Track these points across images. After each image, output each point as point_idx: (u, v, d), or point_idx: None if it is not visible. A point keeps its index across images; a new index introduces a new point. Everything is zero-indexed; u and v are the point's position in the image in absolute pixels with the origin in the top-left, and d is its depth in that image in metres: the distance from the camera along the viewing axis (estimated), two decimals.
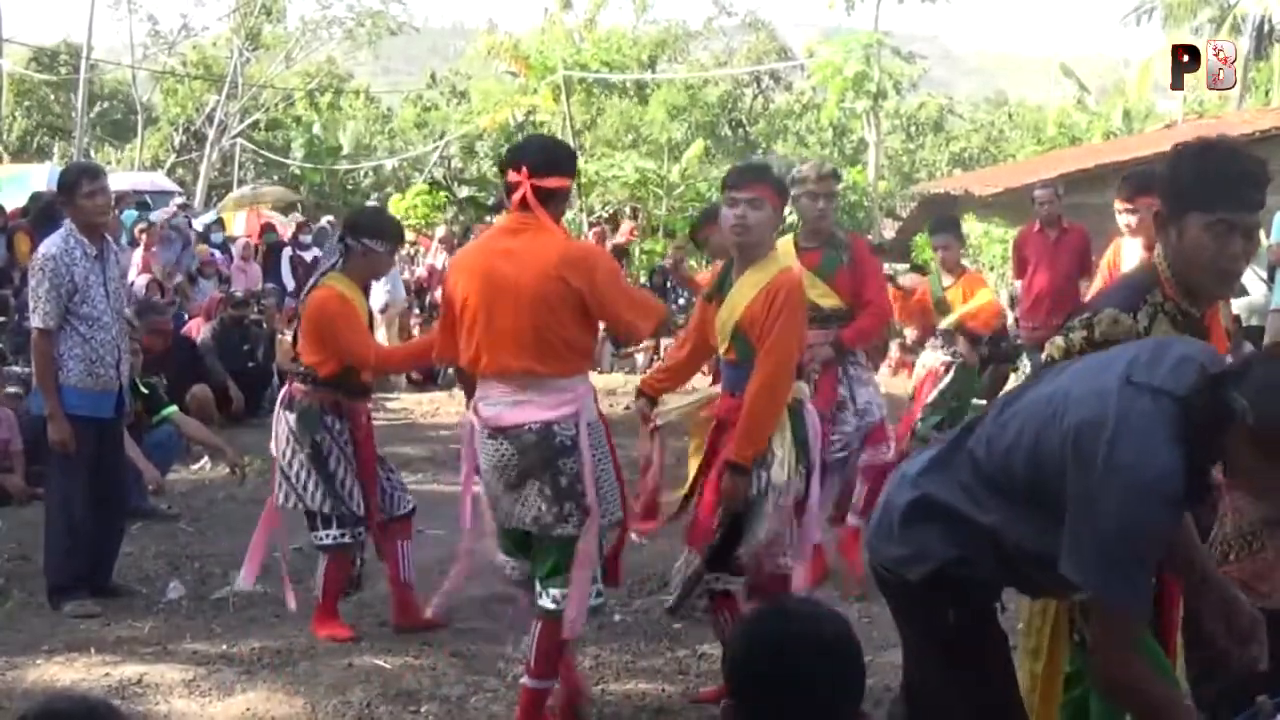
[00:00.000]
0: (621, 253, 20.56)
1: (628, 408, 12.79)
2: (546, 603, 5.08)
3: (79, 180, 7.11)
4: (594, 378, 6.05)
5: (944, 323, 8.95)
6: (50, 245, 7.00)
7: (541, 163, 5.06)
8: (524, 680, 5.18)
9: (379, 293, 14.31)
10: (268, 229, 22.02)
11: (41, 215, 14.08)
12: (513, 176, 5.04)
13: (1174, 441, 2.90)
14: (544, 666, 5.12)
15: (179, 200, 20.05)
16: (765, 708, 2.48)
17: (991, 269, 20.39)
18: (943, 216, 10.18)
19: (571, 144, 30.33)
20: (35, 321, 6.93)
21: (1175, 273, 3.58)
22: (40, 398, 7.03)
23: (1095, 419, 2.95)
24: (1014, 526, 3.12)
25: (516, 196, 5.02)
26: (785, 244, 6.67)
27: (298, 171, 38.00)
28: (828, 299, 6.90)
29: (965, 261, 10.04)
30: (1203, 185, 3.47)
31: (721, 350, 5.35)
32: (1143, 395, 2.94)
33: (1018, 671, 3.59)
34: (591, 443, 5.03)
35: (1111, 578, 2.94)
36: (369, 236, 6.45)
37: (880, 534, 3.39)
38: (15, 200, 16.47)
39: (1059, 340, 3.63)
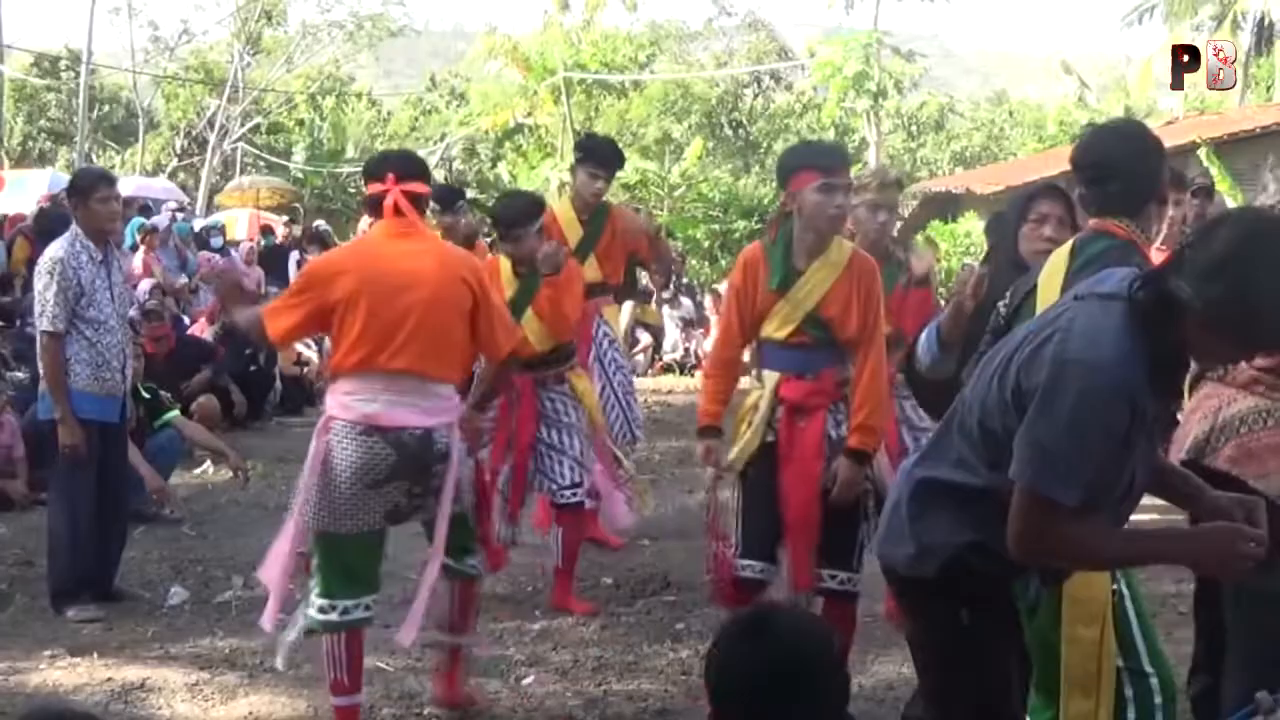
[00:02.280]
0: None
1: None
2: (469, 569, 5.39)
3: (96, 185, 7.13)
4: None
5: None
6: (57, 248, 7.00)
7: (406, 170, 5.23)
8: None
9: None
10: (266, 231, 22.05)
11: (45, 223, 14.10)
12: (376, 187, 5.18)
13: (1124, 335, 2.93)
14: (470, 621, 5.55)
15: (172, 205, 20.02)
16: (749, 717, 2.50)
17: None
18: (996, 216, 10.05)
19: (572, 145, 30.43)
20: (44, 325, 6.91)
21: (1151, 240, 3.92)
22: (48, 402, 7.02)
23: (1047, 332, 3.02)
24: (1007, 481, 3.11)
25: (388, 203, 5.12)
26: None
27: (299, 175, 38.02)
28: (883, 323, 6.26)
29: (969, 260, 10.06)
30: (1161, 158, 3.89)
31: (783, 335, 5.18)
32: (1091, 302, 3.02)
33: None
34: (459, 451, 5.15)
35: (1049, 460, 2.92)
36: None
37: (890, 536, 3.37)
38: (16, 205, 16.49)
39: (1003, 301, 3.79)
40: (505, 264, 6.82)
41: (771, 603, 4.79)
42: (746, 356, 5.56)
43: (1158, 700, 3.67)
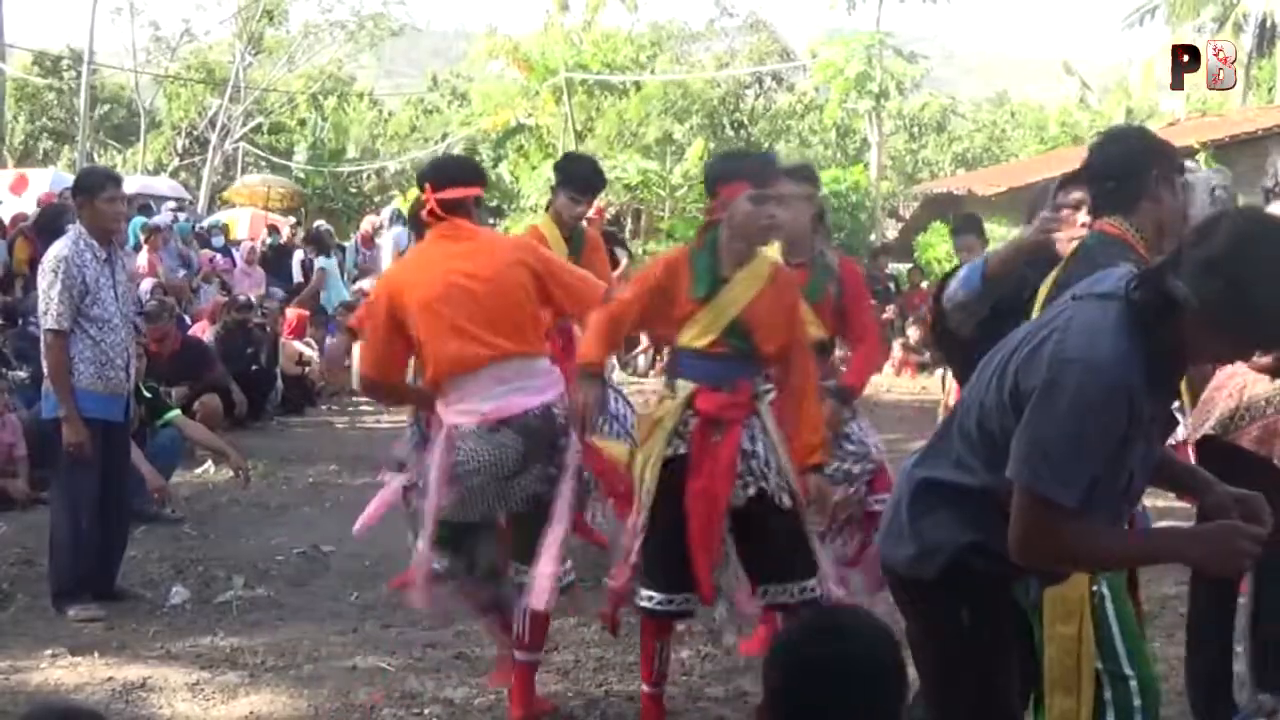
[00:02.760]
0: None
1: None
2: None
3: (104, 184, 7.15)
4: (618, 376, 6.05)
5: None
6: (61, 246, 7.00)
7: (441, 178, 5.41)
8: (517, 654, 5.34)
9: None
10: (272, 230, 22.07)
11: (46, 222, 14.10)
12: (424, 197, 5.43)
13: (1121, 334, 2.94)
14: (537, 640, 5.38)
15: (172, 204, 20.04)
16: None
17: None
18: (964, 216, 10.08)
19: (574, 146, 30.41)
20: (48, 323, 6.92)
21: (1146, 237, 3.90)
22: (51, 401, 7.03)
23: (1045, 333, 3.04)
24: (1006, 482, 3.12)
25: (424, 212, 5.39)
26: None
27: (301, 175, 38.02)
28: (814, 327, 5.83)
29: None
30: (1166, 156, 3.92)
31: (703, 344, 5.00)
32: (1089, 302, 3.04)
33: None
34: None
35: (1047, 461, 2.94)
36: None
37: (891, 536, 3.37)
38: (18, 205, 16.50)
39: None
40: None
41: (840, 604, 4.81)
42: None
43: (1136, 702, 3.68)
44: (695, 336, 5.01)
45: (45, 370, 7.05)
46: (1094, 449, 2.94)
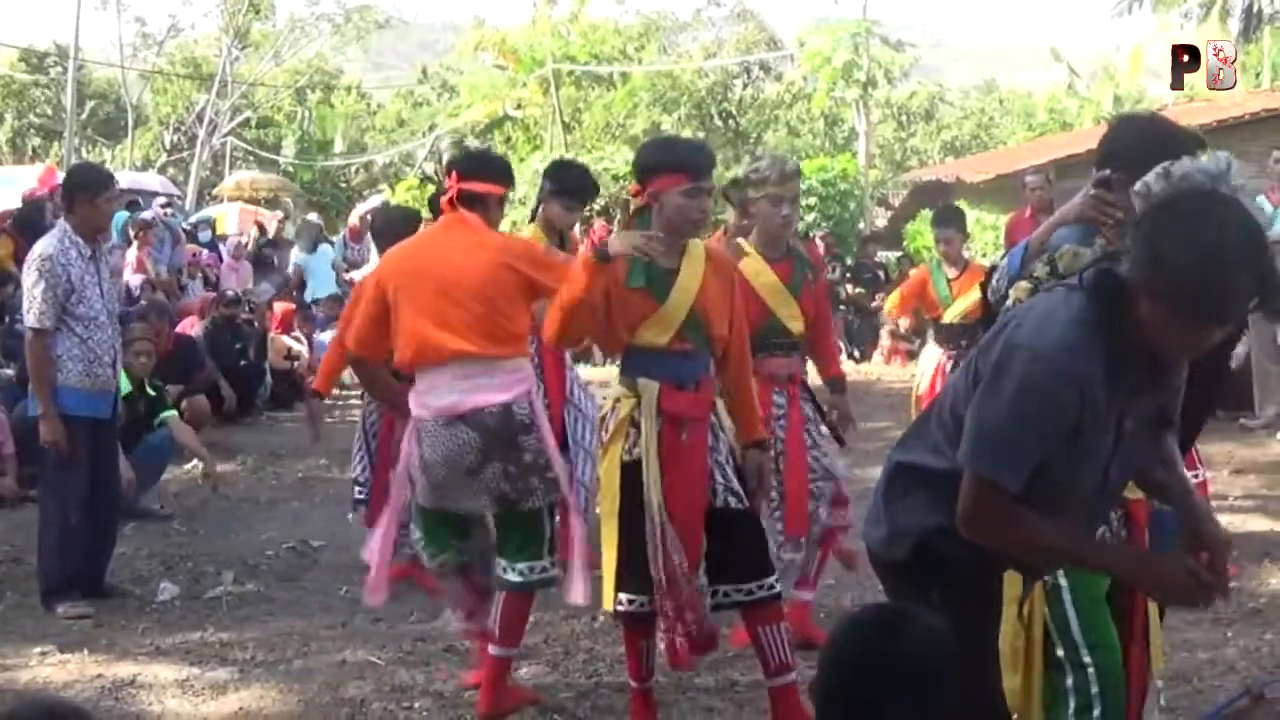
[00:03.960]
0: None
1: None
2: (513, 577, 5.24)
3: (106, 185, 7.19)
4: (588, 371, 6.06)
5: (948, 316, 8.69)
6: (46, 245, 6.98)
7: (469, 169, 5.46)
8: (491, 649, 5.29)
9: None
10: (262, 230, 22.02)
11: (26, 219, 14.07)
12: (447, 182, 5.44)
13: (1076, 324, 2.96)
14: (510, 637, 5.28)
15: (161, 201, 19.99)
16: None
17: (984, 256, 20.36)
18: (946, 208, 9.98)
19: (561, 137, 30.41)
20: (31, 321, 6.90)
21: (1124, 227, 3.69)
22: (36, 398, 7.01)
23: (1008, 318, 3.10)
24: None
25: (444, 199, 5.39)
26: (749, 257, 5.92)
27: (290, 169, 37.97)
28: (795, 322, 5.98)
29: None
30: (1169, 149, 3.57)
31: (664, 341, 4.92)
32: (1055, 291, 3.09)
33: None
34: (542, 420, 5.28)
35: (992, 443, 2.98)
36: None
37: (870, 519, 3.43)
38: (5, 202, 16.43)
39: (1023, 283, 3.71)
40: None
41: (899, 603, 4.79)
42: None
43: (1094, 690, 3.71)
44: (656, 334, 4.92)
45: (28, 368, 7.03)
46: (1035, 435, 2.96)
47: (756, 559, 4.98)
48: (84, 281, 6.92)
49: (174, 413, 9.49)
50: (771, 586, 4.97)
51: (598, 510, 6.19)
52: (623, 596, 5.02)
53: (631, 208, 5.18)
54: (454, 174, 5.41)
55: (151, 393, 9.03)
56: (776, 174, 5.88)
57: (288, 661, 6.07)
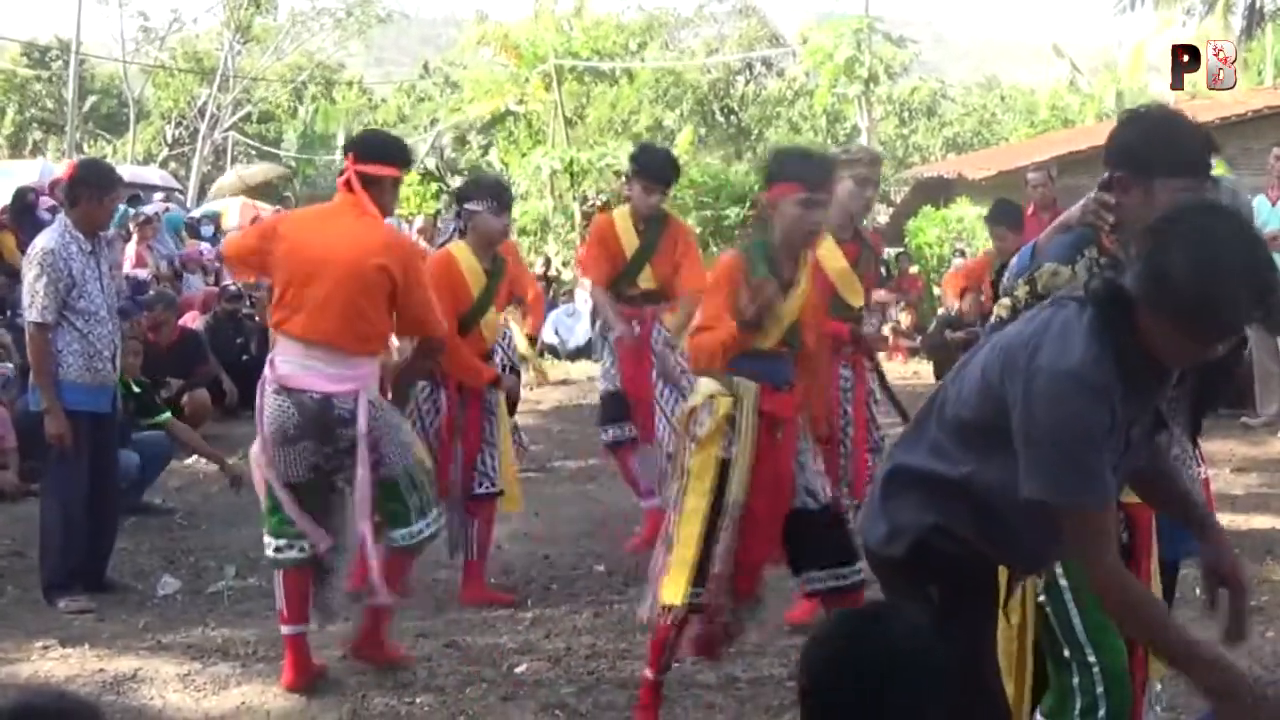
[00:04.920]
0: None
1: None
2: (400, 542, 5.67)
3: (115, 184, 7.28)
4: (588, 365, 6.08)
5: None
6: (48, 239, 6.98)
7: (365, 151, 5.53)
8: (283, 628, 5.65)
9: None
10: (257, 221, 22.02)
11: (21, 211, 14.06)
12: (346, 163, 5.54)
13: (1091, 336, 2.95)
14: (395, 585, 5.71)
15: (161, 196, 19.98)
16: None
17: (986, 253, 20.38)
18: (1002, 205, 9.92)
19: (563, 133, 30.38)
20: (33, 315, 6.88)
21: (1127, 229, 3.64)
22: (38, 394, 7.02)
23: (1022, 338, 3.07)
24: (984, 472, 3.14)
25: (341, 180, 5.50)
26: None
27: (291, 163, 37.98)
28: (857, 297, 6.29)
29: (960, 245, 10.05)
30: (1180, 154, 3.57)
31: (769, 344, 5.02)
32: (1063, 306, 3.07)
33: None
34: (372, 417, 5.41)
35: (1060, 477, 2.96)
36: (468, 200, 6.74)
37: (867, 515, 3.44)
38: (6, 196, 16.42)
39: (1005, 300, 3.75)
40: (467, 256, 6.73)
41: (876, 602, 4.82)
42: None
43: (1100, 689, 3.69)
44: (762, 340, 4.99)
45: (30, 362, 7.03)
46: (1092, 450, 2.95)
47: (841, 547, 5.11)
48: (85, 276, 6.92)
49: (168, 415, 9.34)
50: (857, 573, 5.03)
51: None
52: (692, 590, 5.02)
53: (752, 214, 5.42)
54: (350, 155, 5.52)
55: (137, 390, 8.94)
56: (868, 157, 6.32)
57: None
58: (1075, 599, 3.68)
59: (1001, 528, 3.21)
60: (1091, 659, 3.70)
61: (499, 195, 6.88)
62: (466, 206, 6.74)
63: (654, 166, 7.85)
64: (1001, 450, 3.07)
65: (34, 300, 6.87)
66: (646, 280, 7.82)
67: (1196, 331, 2.91)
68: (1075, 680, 3.72)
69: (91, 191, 7.07)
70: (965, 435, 3.17)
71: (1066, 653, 3.72)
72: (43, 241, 6.99)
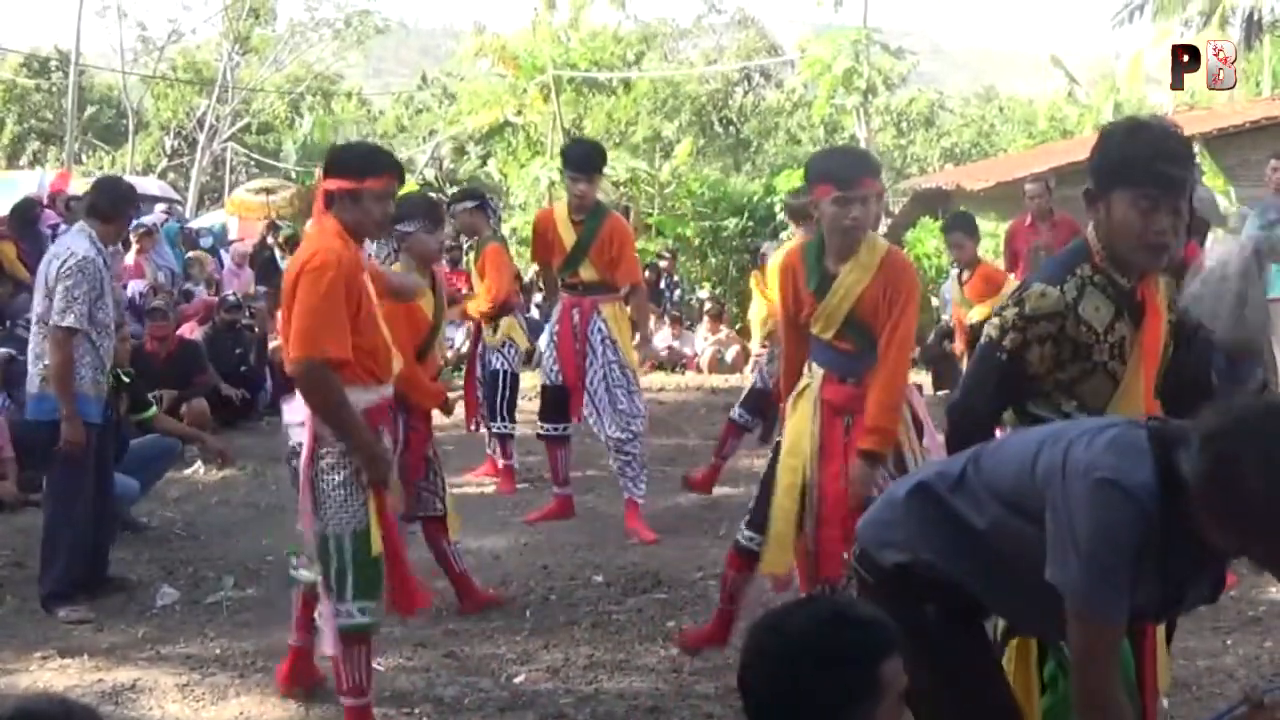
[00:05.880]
0: None
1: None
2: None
3: (136, 200, 7.34)
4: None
5: (971, 316, 9.02)
6: (82, 246, 6.96)
7: (326, 165, 5.25)
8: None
9: None
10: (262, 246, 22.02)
11: (25, 223, 14.06)
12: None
13: (1154, 470, 2.93)
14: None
15: (162, 207, 20.00)
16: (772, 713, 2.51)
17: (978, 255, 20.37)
18: (957, 215, 10.09)
19: (562, 144, 30.37)
20: (67, 320, 6.80)
21: (1105, 245, 3.68)
22: (42, 403, 7.00)
23: (1085, 443, 3.02)
24: (1000, 535, 3.15)
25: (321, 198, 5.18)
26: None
27: (291, 175, 37.98)
28: None
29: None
30: (1127, 164, 3.57)
31: (828, 336, 5.29)
32: (1137, 427, 3.04)
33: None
34: (316, 453, 5.00)
35: (1090, 584, 2.94)
36: (400, 221, 6.58)
37: (870, 518, 3.47)
38: (5, 207, 16.43)
39: (995, 319, 3.73)
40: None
41: (810, 596, 5.01)
42: None
43: None
44: (821, 329, 5.30)
45: (44, 368, 6.96)
46: (1123, 565, 2.93)
47: None
48: (104, 288, 6.99)
49: (155, 410, 9.27)
50: None
51: None
52: (747, 533, 5.60)
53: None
54: (320, 172, 5.41)
55: (127, 379, 8.80)
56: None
57: None
58: None
59: (1004, 587, 3.21)
60: None
61: (431, 213, 6.96)
62: (400, 228, 6.65)
63: (576, 156, 8.31)
64: (1020, 523, 3.09)
65: (69, 306, 6.80)
66: (587, 271, 8.23)
67: (1258, 543, 2.85)
68: None
69: (126, 209, 7.23)
70: (994, 493, 3.18)
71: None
72: (81, 249, 6.95)
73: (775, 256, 8.59)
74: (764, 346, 9.84)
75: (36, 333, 7.07)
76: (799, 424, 5.39)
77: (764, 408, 8.60)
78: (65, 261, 6.91)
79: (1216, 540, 2.89)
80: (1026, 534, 3.06)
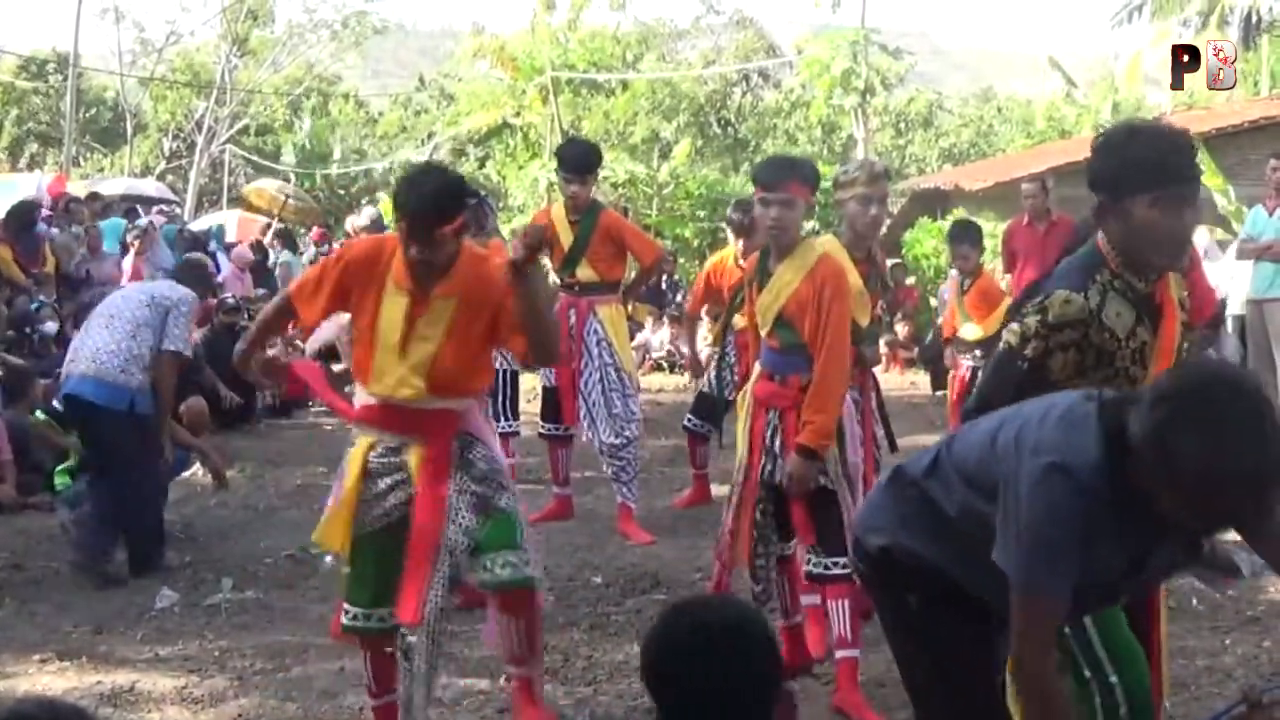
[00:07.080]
0: None
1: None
2: (499, 571, 4.86)
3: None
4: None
5: (964, 331, 9.07)
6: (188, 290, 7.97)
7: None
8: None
9: None
10: (257, 246, 22.02)
11: (18, 222, 14.07)
12: None
13: (1101, 446, 2.96)
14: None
15: (159, 208, 20.01)
16: (678, 705, 2.54)
17: (981, 263, 20.37)
18: (962, 224, 10.08)
19: (559, 144, 30.36)
20: (186, 350, 7.88)
21: (1122, 252, 3.65)
22: (122, 392, 7.53)
23: (1039, 417, 3.09)
24: (968, 517, 3.18)
25: None
26: (838, 250, 5.86)
27: (289, 177, 37.98)
28: (865, 316, 6.04)
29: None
30: (1139, 167, 3.55)
31: (764, 333, 5.50)
32: (1089, 400, 3.09)
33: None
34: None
35: (1028, 560, 2.97)
36: None
37: (863, 504, 3.66)
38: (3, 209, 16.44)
39: (1015, 326, 3.70)
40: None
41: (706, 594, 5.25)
42: None
43: (1122, 711, 3.65)
44: (760, 326, 5.54)
45: (127, 363, 7.56)
46: (1064, 544, 2.95)
47: (832, 537, 5.33)
48: None
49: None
50: (844, 566, 5.14)
51: None
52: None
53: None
54: None
55: None
56: (866, 175, 5.99)
57: (287, 669, 6.06)
58: (1093, 619, 3.66)
59: (980, 571, 3.20)
60: (1113, 679, 3.64)
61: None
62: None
63: (569, 156, 8.39)
64: (983, 505, 3.12)
65: (186, 334, 7.86)
66: (584, 271, 8.26)
67: (1187, 508, 2.87)
68: (1098, 701, 3.65)
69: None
70: (962, 478, 3.21)
71: (1087, 673, 3.66)
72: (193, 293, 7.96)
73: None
74: (712, 348, 9.87)
75: (127, 333, 7.59)
76: (741, 420, 5.66)
77: (712, 409, 8.70)
78: (190, 301, 7.87)
79: (1164, 504, 2.90)
80: (989, 516, 3.09)
